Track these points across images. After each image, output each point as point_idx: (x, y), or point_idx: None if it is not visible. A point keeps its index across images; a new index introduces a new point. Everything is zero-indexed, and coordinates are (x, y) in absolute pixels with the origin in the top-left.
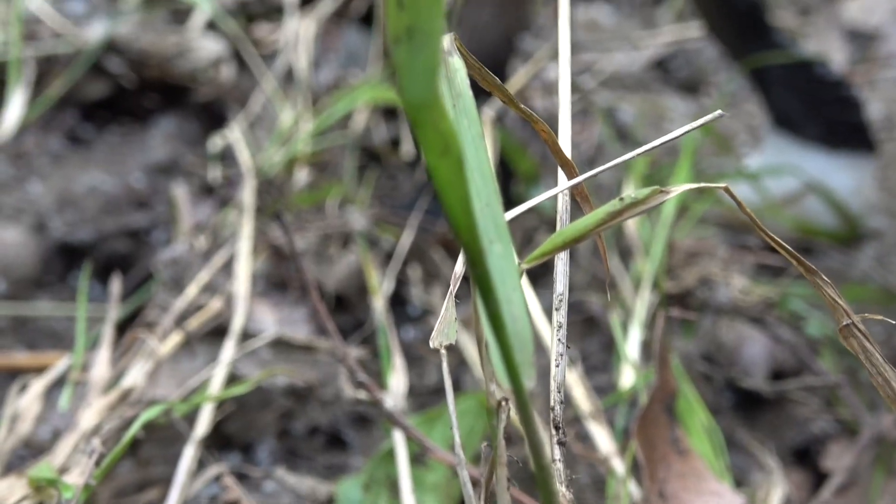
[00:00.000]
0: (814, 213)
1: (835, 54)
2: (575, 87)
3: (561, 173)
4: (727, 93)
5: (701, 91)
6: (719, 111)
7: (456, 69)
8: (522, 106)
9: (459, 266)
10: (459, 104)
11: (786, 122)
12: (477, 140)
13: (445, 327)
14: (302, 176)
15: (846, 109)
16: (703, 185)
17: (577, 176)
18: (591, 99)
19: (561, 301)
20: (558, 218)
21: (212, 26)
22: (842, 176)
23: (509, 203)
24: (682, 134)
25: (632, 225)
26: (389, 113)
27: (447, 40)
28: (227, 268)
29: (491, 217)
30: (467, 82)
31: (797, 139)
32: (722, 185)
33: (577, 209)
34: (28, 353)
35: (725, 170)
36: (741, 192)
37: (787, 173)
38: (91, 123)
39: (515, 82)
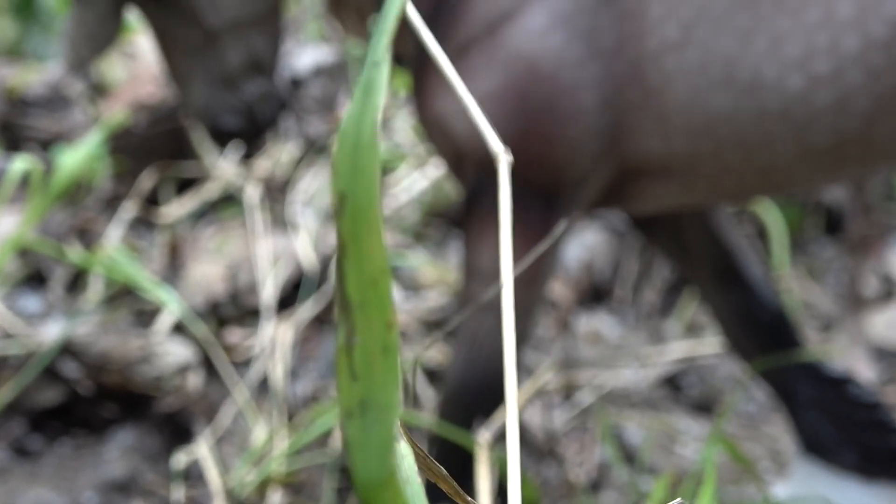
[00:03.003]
0: None
1: (863, 373)
2: (573, 404)
3: None
4: (746, 413)
5: (716, 411)
6: None
7: (403, 455)
8: None
9: None
10: (409, 491)
11: (816, 447)
12: None
13: None
14: (276, 498)
15: (884, 434)
16: None
17: None
18: (592, 416)
19: None
20: None
21: (179, 329)
22: None
23: None
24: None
25: None
26: None
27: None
28: None
29: None
30: (415, 468)
31: (829, 467)
32: None
33: None
34: None
35: (749, 500)
36: None
37: None
38: (40, 434)
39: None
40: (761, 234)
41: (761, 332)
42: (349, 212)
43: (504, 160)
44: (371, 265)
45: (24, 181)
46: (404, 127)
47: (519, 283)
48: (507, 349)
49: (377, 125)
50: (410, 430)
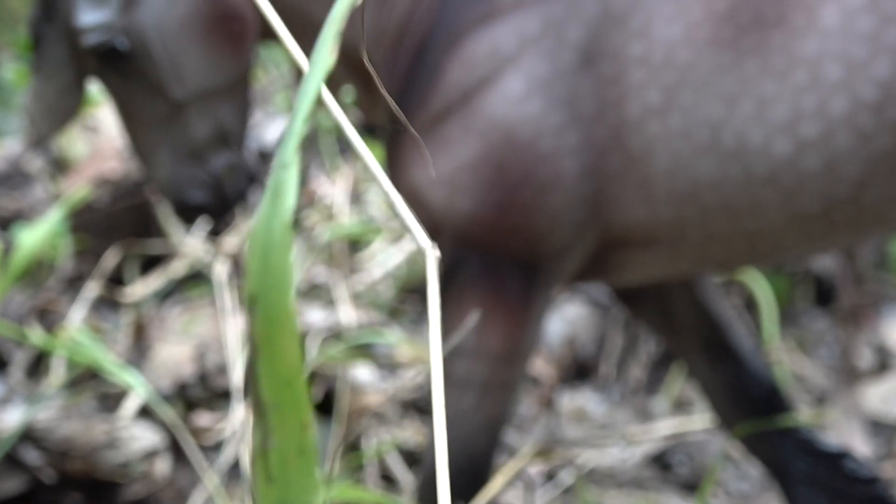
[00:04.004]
0: None
1: (859, 448)
2: (557, 484)
3: None
4: (738, 492)
5: (706, 490)
6: None
7: None
8: None
9: None
10: None
11: None
12: None
13: None
14: None
15: None
16: None
17: None
18: (576, 497)
19: None
20: None
21: (146, 413)
22: None
23: None
24: None
25: None
26: None
27: None
28: None
29: None
30: None
31: None
32: None
33: None
34: None
35: None
36: None
37: None
38: None
39: (495, 483)
40: (749, 305)
41: (753, 406)
42: (261, 313)
43: (432, 256)
44: (285, 366)
45: None
46: (377, 200)
47: (500, 359)
48: (440, 450)
49: (289, 226)
50: None
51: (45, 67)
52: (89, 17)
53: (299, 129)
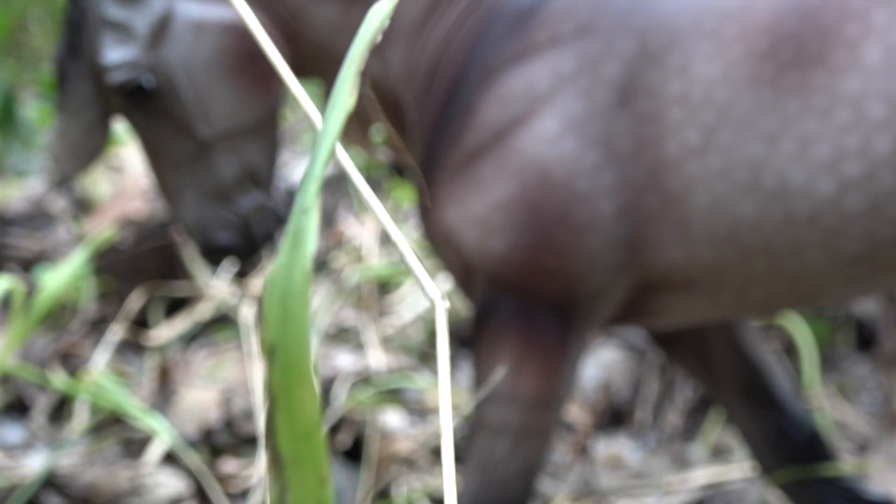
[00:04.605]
0: None
1: None
2: None
3: None
4: None
5: None
6: None
7: None
8: None
9: None
10: None
11: None
12: None
13: None
14: None
15: None
16: None
17: None
18: None
19: None
20: None
21: (171, 459)
22: None
23: None
24: None
25: None
26: None
27: None
28: None
29: None
30: None
31: None
32: None
33: None
34: None
35: None
36: None
37: None
38: None
39: None
40: (789, 349)
41: (794, 453)
42: (279, 363)
43: (441, 306)
44: (303, 418)
45: (5, 303)
46: (408, 241)
47: (535, 405)
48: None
49: (308, 274)
50: None
51: (70, 106)
52: (115, 55)
53: (318, 173)
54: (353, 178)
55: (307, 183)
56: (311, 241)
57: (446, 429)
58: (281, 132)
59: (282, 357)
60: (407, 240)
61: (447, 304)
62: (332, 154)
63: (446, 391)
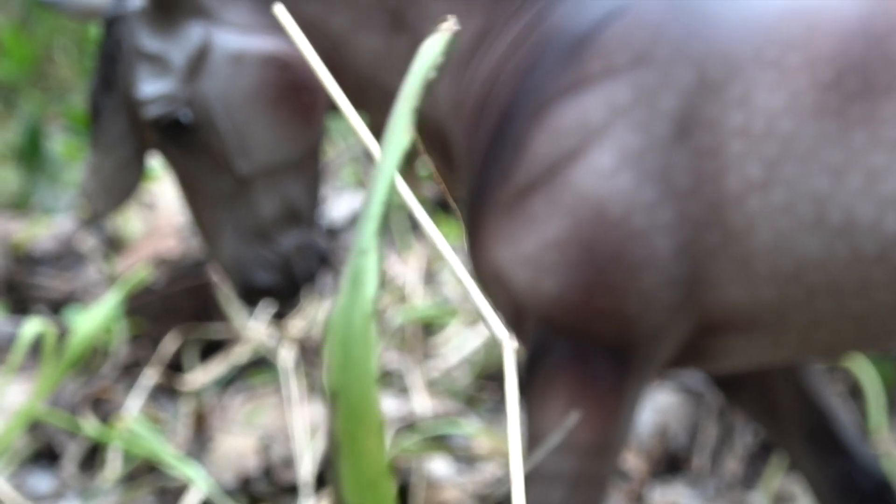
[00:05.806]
0: None
1: None
2: None
3: None
4: None
5: None
6: None
7: None
8: None
9: None
10: None
11: None
12: None
13: None
14: None
15: None
16: None
17: None
18: None
19: None
20: None
21: None
22: None
23: None
24: None
25: None
26: None
27: None
28: None
29: None
30: None
31: None
32: None
33: None
34: None
35: None
36: None
37: None
38: None
39: None
40: (854, 392)
41: (861, 501)
42: (343, 409)
43: (509, 347)
44: (370, 466)
45: (34, 346)
46: (453, 280)
47: (590, 452)
48: None
49: (369, 316)
50: None
51: (104, 141)
52: (151, 88)
53: (377, 212)
54: (418, 215)
55: (365, 222)
56: (372, 283)
57: (517, 477)
58: (323, 167)
59: (345, 402)
60: (452, 278)
61: (515, 344)
62: (392, 192)
63: (516, 438)
